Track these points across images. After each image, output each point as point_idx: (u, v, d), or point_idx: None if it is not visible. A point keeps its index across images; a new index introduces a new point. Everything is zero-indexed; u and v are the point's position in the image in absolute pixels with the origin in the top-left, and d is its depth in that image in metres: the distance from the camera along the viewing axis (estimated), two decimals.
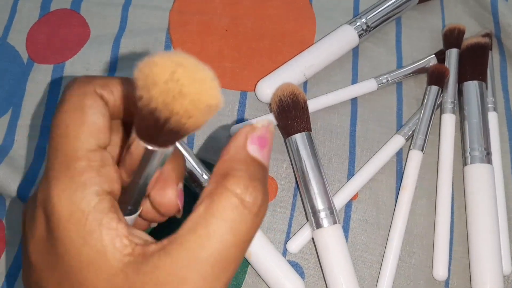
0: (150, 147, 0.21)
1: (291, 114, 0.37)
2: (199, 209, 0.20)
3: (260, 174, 0.21)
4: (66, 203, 0.20)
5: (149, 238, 0.21)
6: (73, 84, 0.22)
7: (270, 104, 0.40)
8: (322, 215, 0.35)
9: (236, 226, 0.20)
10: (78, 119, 0.21)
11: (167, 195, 0.24)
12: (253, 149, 0.21)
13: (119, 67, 0.41)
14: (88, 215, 0.20)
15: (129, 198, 0.23)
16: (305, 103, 0.38)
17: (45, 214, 0.21)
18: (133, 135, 0.21)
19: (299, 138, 0.37)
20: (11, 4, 0.44)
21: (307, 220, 0.37)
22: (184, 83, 0.19)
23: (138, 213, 0.25)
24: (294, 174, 0.38)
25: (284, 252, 0.37)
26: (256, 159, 0.21)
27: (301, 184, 0.37)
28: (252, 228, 0.20)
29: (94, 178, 0.21)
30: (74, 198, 0.20)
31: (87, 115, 0.21)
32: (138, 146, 0.21)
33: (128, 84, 0.23)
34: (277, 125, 0.39)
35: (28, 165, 0.38)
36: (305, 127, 0.37)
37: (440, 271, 0.36)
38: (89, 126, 0.21)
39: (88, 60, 0.41)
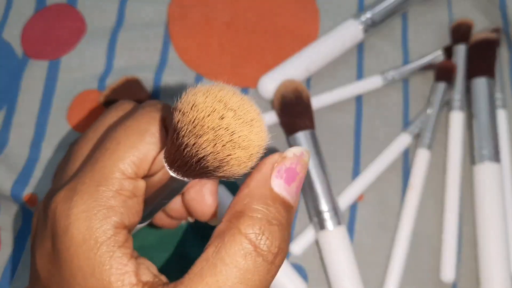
0: (181, 178, 0.20)
1: (294, 111, 0.36)
2: (209, 251, 0.18)
3: (283, 215, 0.19)
4: (83, 226, 0.19)
5: (158, 275, 0.20)
6: (146, 105, 0.22)
7: (272, 101, 0.39)
8: (326, 216, 0.34)
9: (248, 276, 0.18)
10: (133, 142, 0.21)
11: (204, 202, 0.23)
12: (278, 185, 0.19)
13: (116, 63, 0.40)
14: (101, 246, 0.19)
15: (144, 210, 0.22)
16: (309, 100, 0.37)
17: (57, 227, 0.19)
18: (164, 164, 0.20)
19: (302, 137, 0.36)
20: None
21: (311, 221, 0.36)
22: (234, 130, 0.18)
23: (147, 222, 0.24)
24: None
25: (287, 254, 0.36)
26: (281, 197, 0.19)
27: (304, 184, 0.36)
28: (266, 279, 0.18)
29: (118, 208, 0.19)
30: (92, 224, 0.19)
31: (143, 143, 0.21)
32: (166, 173, 0.20)
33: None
34: (280, 122, 0.38)
35: (22, 164, 0.37)
36: (309, 125, 0.36)
37: (448, 273, 0.35)
38: (139, 154, 0.21)
39: (85, 56, 0.40)
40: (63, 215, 0.19)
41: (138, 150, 0.20)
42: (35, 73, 0.39)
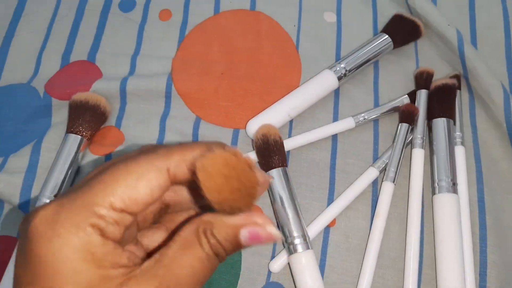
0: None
1: (265, 153, 0.41)
2: (172, 248, 0.22)
3: (228, 253, 0.23)
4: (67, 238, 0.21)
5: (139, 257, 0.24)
6: (149, 152, 0.23)
7: None
8: (296, 241, 0.39)
9: (197, 273, 0.22)
10: (129, 183, 0.21)
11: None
12: (243, 236, 0.23)
13: (128, 99, 0.45)
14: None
15: None
16: (276, 142, 0.41)
17: (36, 237, 0.21)
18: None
19: (274, 173, 0.41)
20: (36, 56, 0.49)
21: (283, 246, 0.40)
22: (247, 186, 0.22)
23: None
24: (272, 205, 0.42)
25: (269, 275, 0.41)
26: (239, 242, 0.23)
27: (277, 214, 0.41)
28: (210, 273, 0.23)
29: (100, 222, 0.21)
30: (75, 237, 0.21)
31: (139, 188, 0.22)
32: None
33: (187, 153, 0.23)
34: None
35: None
36: (279, 163, 0.41)
37: None
38: (131, 194, 0.21)
39: (98, 93, 0.45)
40: (47, 225, 0.21)
41: (131, 191, 0.22)
42: (60, 111, 0.45)
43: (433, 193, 0.42)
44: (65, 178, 0.42)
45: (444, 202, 0.41)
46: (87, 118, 0.43)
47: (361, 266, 0.40)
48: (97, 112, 0.44)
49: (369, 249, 0.40)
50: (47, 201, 0.41)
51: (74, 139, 0.43)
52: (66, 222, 0.21)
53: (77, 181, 0.43)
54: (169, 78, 0.47)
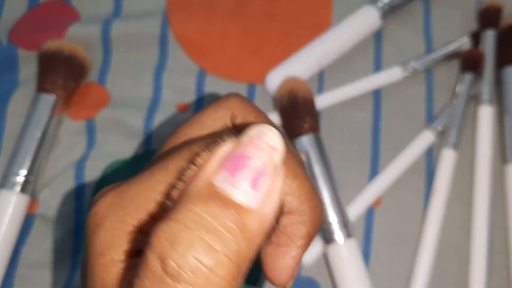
0: None
1: (291, 115, 0.35)
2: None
3: (219, 220, 0.13)
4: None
5: None
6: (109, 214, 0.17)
7: None
8: (334, 228, 0.33)
9: None
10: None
11: (285, 270, 0.18)
12: (221, 178, 0.14)
13: (113, 48, 0.39)
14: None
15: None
16: (306, 101, 0.35)
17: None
18: None
19: (303, 142, 0.34)
20: None
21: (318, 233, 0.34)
22: None
23: None
24: None
25: (300, 267, 0.33)
26: (219, 194, 0.14)
27: None
28: None
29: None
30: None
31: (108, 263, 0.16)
32: None
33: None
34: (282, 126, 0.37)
35: None
36: (309, 128, 0.34)
37: (477, 287, 0.33)
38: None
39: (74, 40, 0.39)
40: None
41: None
42: (28, 65, 0.39)
43: (505, 161, 0.36)
44: (37, 150, 0.36)
45: None
46: (62, 73, 0.38)
47: (415, 256, 0.34)
48: (74, 65, 0.38)
49: (425, 235, 0.34)
50: (16, 179, 0.35)
51: (47, 100, 0.37)
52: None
53: (53, 154, 0.37)
54: (164, 18, 0.40)
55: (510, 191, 0.35)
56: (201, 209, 0.13)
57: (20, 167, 0.35)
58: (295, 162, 0.17)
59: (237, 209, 0.13)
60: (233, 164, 0.14)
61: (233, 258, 0.13)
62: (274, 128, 0.14)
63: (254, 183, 0.14)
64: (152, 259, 0.13)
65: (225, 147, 0.14)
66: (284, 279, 0.18)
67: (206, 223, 0.13)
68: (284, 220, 0.17)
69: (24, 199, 0.34)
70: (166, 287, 0.13)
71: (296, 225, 0.17)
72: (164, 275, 0.13)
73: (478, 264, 0.33)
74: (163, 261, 0.13)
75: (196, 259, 0.13)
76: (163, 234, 0.13)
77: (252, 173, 0.14)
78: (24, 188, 0.34)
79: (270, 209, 0.14)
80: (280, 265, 0.18)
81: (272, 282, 0.18)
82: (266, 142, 0.14)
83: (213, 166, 0.14)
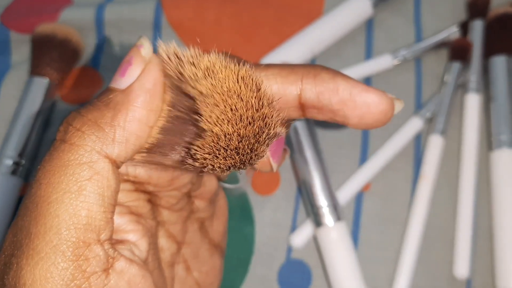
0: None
1: None
2: None
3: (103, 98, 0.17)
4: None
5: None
6: (74, 136, 0.17)
7: None
8: (324, 211, 0.32)
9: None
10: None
11: (374, 102, 0.18)
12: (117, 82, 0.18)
13: (106, 32, 0.38)
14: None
15: None
16: None
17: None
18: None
19: (293, 128, 0.34)
20: None
21: (307, 216, 0.34)
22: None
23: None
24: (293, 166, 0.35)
25: (289, 250, 0.34)
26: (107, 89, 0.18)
27: (299, 178, 0.34)
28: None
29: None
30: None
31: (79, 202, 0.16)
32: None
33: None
34: None
35: None
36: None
37: (462, 268, 0.33)
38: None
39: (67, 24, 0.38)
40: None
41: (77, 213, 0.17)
42: (21, 48, 0.38)
43: (490, 148, 0.36)
44: (31, 132, 0.35)
45: (503, 160, 0.35)
46: (55, 57, 0.36)
47: (403, 239, 0.34)
48: (67, 48, 0.37)
49: (412, 218, 0.34)
50: (10, 163, 0.34)
51: (40, 83, 0.36)
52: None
53: (46, 137, 0.37)
54: (158, 3, 0.39)
55: (495, 176, 0.34)
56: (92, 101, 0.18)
57: (13, 150, 0.34)
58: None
59: (109, 92, 0.17)
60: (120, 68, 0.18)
61: (93, 119, 0.17)
62: (146, 38, 0.18)
63: (123, 73, 0.17)
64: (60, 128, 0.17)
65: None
66: (384, 104, 0.18)
67: (87, 106, 0.17)
68: (321, 88, 0.18)
69: (17, 182, 0.34)
70: (51, 146, 0.17)
71: (331, 82, 0.18)
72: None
73: (463, 247, 0.33)
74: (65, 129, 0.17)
75: (67, 122, 0.17)
76: (67, 119, 0.17)
77: (122, 67, 0.17)
78: (16, 170, 0.34)
79: (138, 87, 0.17)
80: (369, 103, 0.18)
81: (384, 118, 0.18)
82: (136, 44, 0.18)
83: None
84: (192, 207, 0.23)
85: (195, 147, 0.17)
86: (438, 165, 0.35)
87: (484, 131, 0.36)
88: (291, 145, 0.34)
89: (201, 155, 0.17)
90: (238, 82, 0.17)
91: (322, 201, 0.33)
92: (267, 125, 0.17)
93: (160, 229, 0.22)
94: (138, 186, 0.20)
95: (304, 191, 0.33)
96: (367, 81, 0.38)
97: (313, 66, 0.19)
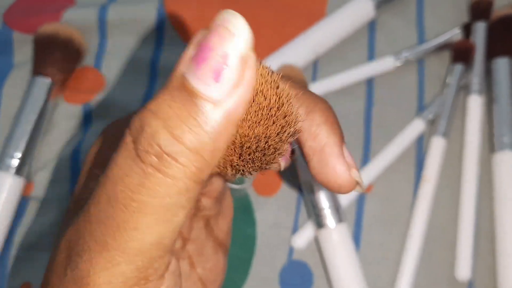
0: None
1: None
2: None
3: (172, 102, 0.13)
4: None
5: None
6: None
7: None
8: (326, 212, 0.33)
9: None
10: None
11: (334, 172, 0.18)
12: (188, 71, 0.14)
13: (109, 38, 0.38)
14: None
15: None
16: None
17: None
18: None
19: None
20: None
21: (309, 217, 0.34)
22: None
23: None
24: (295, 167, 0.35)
25: (291, 251, 0.34)
26: (187, 88, 0.13)
27: (301, 179, 0.34)
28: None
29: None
30: None
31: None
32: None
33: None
34: None
35: None
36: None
37: (463, 270, 0.33)
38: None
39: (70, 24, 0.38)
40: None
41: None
42: (23, 48, 0.38)
43: (492, 150, 0.36)
44: (33, 133, 0.35)
45: (506, 162, 0.35)
46: (58, 57, 0.37)
47: (404, 241, 0.34)
48: (69, 49, 0.37)
49: (415, 220, 0.34)
50: (12, 162, 0.35)
51: (43, 84, 0.36)
52: None
53: (48, 137, 0.37)
54: (160, 4, 0.39)
55: (496, 178, 0.35)
56: (168, 99, 0.14)
57: (16, 150, 0.34)
58: (290, 78, 0.18)
59: (200, 101, 0.13)
60: (199, 55, 0.14)
61: (193, 147, 0.13)
62: (239, 15, 0.13)
63: (217, 75, 0.13)
64: (127, 140, 0.14)
65: (198, 37, 0.14)
66: (343, 179, 0.18)
67: (171, 113, 0.13)
68: (306, 125, 0.18)
69: (19, 182, 0.34)
70: (135, 165, 0.14)
71: (316, 127, 0.18)
72: (135, 156, 0.14)
73: (465, 249, 0.33)
74: (135, 142, 0.13)
75: (158, 145, 0.13)
76: (137, 120, 0.14)
77: (214, 65, 0.13)
78: (19, 170, 0.34)
79: (237, 99, 0.14)
80: (330, 169, 0.18)
81: (338, 190, 0.18)
82: (229, 29, 0.13)
83: (185, 58, 0.14)
84: (199, 205, 0.23)
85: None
86: (440, 167, 0.35)
87: (486, 133, 0.36)
88: (293, 146, 0.34)
89: (236, 160, 0.16)
90: (258, 80, 0.16)
91: (323, 202, 0.33)
92: (288, 123, 0.17)
93: None
94: None
95: (306, 193, 0.34)
96: (370, 82, 0.38)
97: (314, 99, 0.18)
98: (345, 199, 0.34)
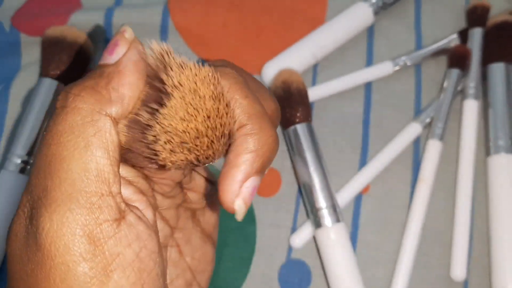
0: None
1: (285, 104, 0.35)
2: None
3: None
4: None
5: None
6: (72, 101, 0.19)
7: None
8: (324, 212, 0.33)
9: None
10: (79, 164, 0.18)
11: (224, 188, 0.19)
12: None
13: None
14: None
15: None
16: (300, 91, 0.35)
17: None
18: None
19: (294, 131, 0.35)
20: None
21: (308, 217, 0.35)
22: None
23: None
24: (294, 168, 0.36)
25: (290, 250, 0.34)
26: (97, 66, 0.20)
27: (300, 180, 0.35)
28: None
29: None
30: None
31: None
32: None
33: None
34: None
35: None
36: (302, 118, 0.35)
37: (459, 271, 0.34)
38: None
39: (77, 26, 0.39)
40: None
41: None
42: (31, 50, 0.39)
43: (488, 153, 0.36)
44: (39, 132, 0.36)
45: (501, 165, 0.35)
46: (65, 59, 0.37)
47: (401, 241, 0.35)
48: (76, 51, 0.38)
49: (410, 221, 0.35)
50: (18, 161, 0.35)
51: (50, 85, 0.37)
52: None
53: None
54: (165, 8, 0.40)
55: (492, 181, 0.35)
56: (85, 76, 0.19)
57: (22, 149, 0.35)
58: (250, 90, 0.20)
59: (102, 67, 0.19)
60: (105, 50, 0.20)
61: (89, 86, 0.19)
62: (128, 27, 0.20)
63: (111, 51, 0.19)
64: (57, 105, 0.19)
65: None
66: (229, 199, 0.19)
67: (85, 80, 0.19)
68: (236, 131, 0.20)
69: (25, 180, 0.35)
70: (58, 115, 0.19)
71: (244, 137, 0.19)
72: (60, 110, 0.19)
73: (460, 249, 0.34)
74: (60, 105, 0.19)
75: (70, 93, 0.19)
76: (64, 92, 0.19)
77: (109, 47, 0.20)
78: (24, 169, 0.35)
79: (126, 60, 0.19)
80: (228, 186, 0.19)
81: (221, 204, 0.20)
82: (120, 30, 0.20)
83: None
84: (185, 197, 0.25)
85: (156, 142, 0.18)
86: (436, 169, 0.36)
87: (482, 137, 0.37)
88: (292, 148, 0.35)
89: (161, 151, 0.18)
90: (197, 82, 0.18)
91: (321, 202, 0.33)
92: (223, 124, 0.18)
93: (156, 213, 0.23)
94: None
95: (304, 193, 0.34)
96: (368, 86, 0.38)
97: (255, 112, 0.20)
98: (343, 200, 0.35)
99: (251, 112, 0.19)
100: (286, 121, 0.35)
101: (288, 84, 0.35)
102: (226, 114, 0.18)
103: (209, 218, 0.26)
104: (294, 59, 0.38)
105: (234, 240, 0.35)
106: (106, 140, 0.18)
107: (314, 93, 0.38)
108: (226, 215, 0.35)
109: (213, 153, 0.19)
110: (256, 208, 0.35)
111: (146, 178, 0.22)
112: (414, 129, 0.37)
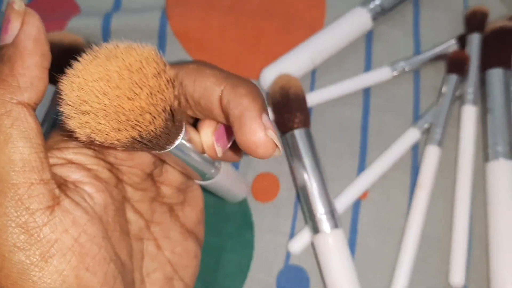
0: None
1: (283, 110, 0.35)
2: None
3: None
4: None
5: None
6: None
7: None
8: (322, 218, 0.33)
9: None
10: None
11: (250, 131, 0.20)
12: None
13: (113, 39, 0.38)
14: None
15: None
16: (298, 97, 0.35)
17: None
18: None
19: (292, 136, 0.35)
20: None
21: (306, 223, 0.35)
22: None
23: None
24: (292, 173, 0.36)
25: (288, 256, 0.34)
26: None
27: (297, 185, 0.35)
28: None
29: None
30: None
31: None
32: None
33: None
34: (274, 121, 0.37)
35: None
36: (300, 123, 0.34)
37: (457, 277, 0.33)
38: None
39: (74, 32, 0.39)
40: None
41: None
42: None
43: (486, 159, 0.36)
44: None
45: (499, 170, 0.35)
46: (63, 64, 0.36)
47: (400, 247, 0.34)
48: (74, 56, 0.37)
49: (409, 227, 0.35)
50: None
51: (48, 90, 0.36)
52: None
53: None
54: (163, 13, 0.40)
55: (490, 187, 0.35)
56: None
57: None
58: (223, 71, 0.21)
59: (2, 50, 0.19)
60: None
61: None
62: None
63: (5, 30, 0.18)
64: None
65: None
66: (258, 135, 0.20)
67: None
68: (231, 97, 0.20)
69: None
70: None
71: (231, 92, 0.20)
72: None
73: (459, 256, 0.34)
74: None
75: None
76: None
77: (3, 25, 0.18)
78: None
79: (24, 37, 0.18)
80: (250, 126, 0.20)
81: (256, 151, 0.20)
82: (9, 3, 0.18)
83: None
84: (159, 191, 0.25)
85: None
86: (434, 175, 0.35)
87: (480, 142, 0.37)
88: (291, 153, 0.35)
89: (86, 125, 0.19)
90: (142, 61, 0.19)
91: (320, 208, 0.33)
92: (164, 99, 0.19)
93: (126, 204, 0.23)
94: (98, 153, 0.21)
95: (303, 198, 0.34)
96: (367, 92, 0.38)
97: (241, 79, 0.21)
98: (341, 206, 0.35)
99: (225, 75, 0.20)
100: (285, 126, 0.35)
101: (287, 89, 0.35)
102: (167, 89, 0.19)
103: (189, 214, 0.26)
104: (293, 64, 0.38)
105: (232, 246, 0.35)
106: (25, 129, 0.18)
107: (313, 98, 0.37)
108: (223, 221, 0.35)
109: (155, 128, 0.19)
110: (254, 214, 0.35)
111: (110, 168, 0.22)
112: (412, 135, 0.37)
